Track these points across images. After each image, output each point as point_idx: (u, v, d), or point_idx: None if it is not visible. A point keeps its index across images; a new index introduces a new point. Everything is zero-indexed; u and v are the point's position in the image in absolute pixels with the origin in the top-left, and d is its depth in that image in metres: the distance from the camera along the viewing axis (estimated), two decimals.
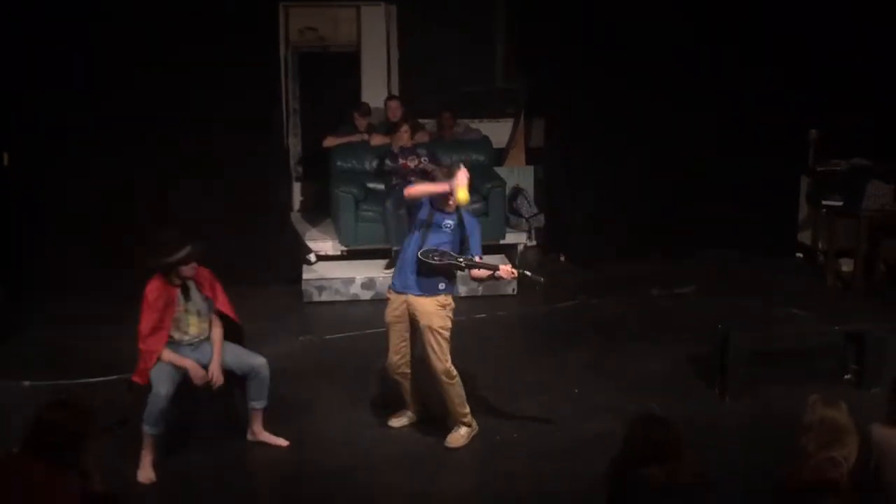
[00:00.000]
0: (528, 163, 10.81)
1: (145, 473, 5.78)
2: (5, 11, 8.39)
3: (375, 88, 10.64)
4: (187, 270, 5.86)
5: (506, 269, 5.95)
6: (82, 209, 8.72)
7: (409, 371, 6.32)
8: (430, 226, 6.03)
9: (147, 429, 5.75)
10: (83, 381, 7.08)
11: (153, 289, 5.87)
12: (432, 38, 10.75)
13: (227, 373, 5.99)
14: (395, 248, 9.14)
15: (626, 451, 4.20)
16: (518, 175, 10.57)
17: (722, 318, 7.24)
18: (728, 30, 9.53)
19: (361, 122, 10.10)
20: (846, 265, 9.36)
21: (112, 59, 8.51)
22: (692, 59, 9.53)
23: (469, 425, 6.31)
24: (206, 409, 6.15)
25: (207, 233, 8.22)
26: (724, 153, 9.79)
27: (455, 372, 6.14)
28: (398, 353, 6.23)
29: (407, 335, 6.19)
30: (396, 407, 6.68)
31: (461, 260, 5.95)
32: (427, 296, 6.02)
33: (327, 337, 8.14)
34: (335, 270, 9.26)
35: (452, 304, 6.12)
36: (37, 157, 8.70)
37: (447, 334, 6.06)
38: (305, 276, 9.11)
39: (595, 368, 7.15)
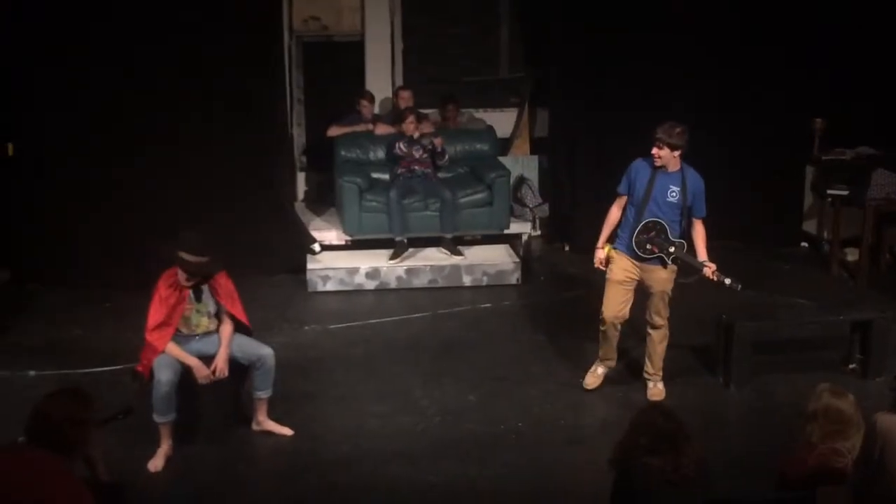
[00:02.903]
0: (532, 153, 10.80)
1: (155, 462, 5.82)
2: (11, 4, 8.40)
3: (379, 78, 10.63)
4: (189, 279, 5.86)
5: (709, 270, 6.33)
6: (87, 199, 8.72)
7: (619, 326, 6.68)
8: (651, 195, 6.34)
9: (155, 417, 5.79)
10: (88, 370, 7.10)
11: (166, 285, 5.88)
12: (437, 28, 10.75)
13: (232, 363, 6.00)
14: (398, 238, 9.15)
15: (630, 439, 4.21)
16: (522, 165, 10.56)
17: (726, 307, 7.24)
18: (732, 21, 9.51)
19: (367, 109, 10.09)
20: (851, 254, 9.35)
21: (116, 52, 8.51)
22: (695, 49, 9.50)
23: (662, 379, 6.75)
24: (212, 399, 6.14)
25: (212, 222, 8.31)
26: (728, 143, 9.76)
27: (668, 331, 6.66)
28: (619, 308, 6.57)
29: (631, 292, 6.57)
30: (401, 397, 6.73)
31: (672, 249, 6.31)
32: (661, 265, 6.41)
33: (332, 326, 8.15)
34: (339, 260, 9.26)
35: (676, 267, 6.49)
36: (42, 147, 8.70)
37: (670, 294, 6.54)
38: (310, 265, 9.12)
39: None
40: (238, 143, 8.92)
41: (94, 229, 8.72)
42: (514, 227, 9.85)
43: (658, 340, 6.67)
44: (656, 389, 6.70)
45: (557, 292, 8.85)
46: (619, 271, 6.50)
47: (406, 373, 7.19)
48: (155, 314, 5.86)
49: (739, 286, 6.35)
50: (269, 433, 6.22)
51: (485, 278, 9.10)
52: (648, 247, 6.33)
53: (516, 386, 6.97)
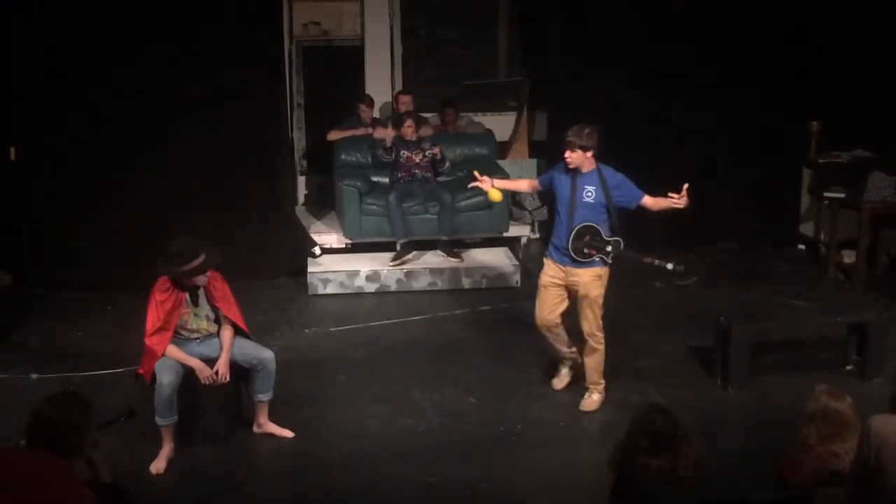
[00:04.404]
0: (531, 156, 10.83)
1: (157, 465, 5.85)
2: (14, 8, 8.44)
3: (379, 82, 10.67)
4: (201, 279, 5.90)
5: (679, 198, 6.37)
6: (88, 202, 8.75)
7: (559, 323, 6.67)
8: (576, 199, 6.35)
9: (157, 420, 5.83)
10: (90, 373, 7.13)
11: (161, 289, 5.91)
12: (435, 32, 10.79)
13: (234, 365, 6.03)
14: (399, 241, 9.18)
15: (629, 440, 4.24)
16: (521, 168, 10.58)
17: (724, 309, 7.27)
18: (729, 23, 9.55)
19: (367, 113, 10.13)
20: (848, 257, 9.37)
21: (118, 55, 8.54)
22: (693, 52, 9.55)
23: (602, 393, 6.66)
24: (213, 402, 6.18)
25: (213, 226, 8.34)
26: (725, 145, 9.81)
27: (603, 338, 6.57)
28: (551, 312, 6.59)
29: (561, 297, 6.57)
30: (402, 399, 6.76)
31: (609, 249, 6.35)
32: (585, 268, 6.37)
33: (332, 329, 8.18)
34: (340, 263, 9.29)
35: (607, 273, 6.48)
36: (43, 150, 8.73)
37: (601, 301, 6.49)
38: (310, 268, 9.15)
39: None
40: (238, 146, 8.95)
41: (95, 232, 8.76)
42: (513, 230, 9.88)
43: (587, 353, 6.61)
44: (588, 400, 6.64)
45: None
46: (545, 276, 6.58)
47: (406, 375, 7.22)
48: (152, 319, 5.89)
49: (682, 268, 6.51)
50: (271, 435, 6.25)
51: (484, 281, 9.13)
52: (586, 251, 6.34)
53: (515, 388, 7.00)
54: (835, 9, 9.54)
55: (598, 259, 6.38)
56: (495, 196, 6.85)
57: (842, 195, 9.21)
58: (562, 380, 6.93)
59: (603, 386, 6.68)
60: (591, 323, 6.50)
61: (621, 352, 7.44)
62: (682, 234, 9.79)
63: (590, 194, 6.34)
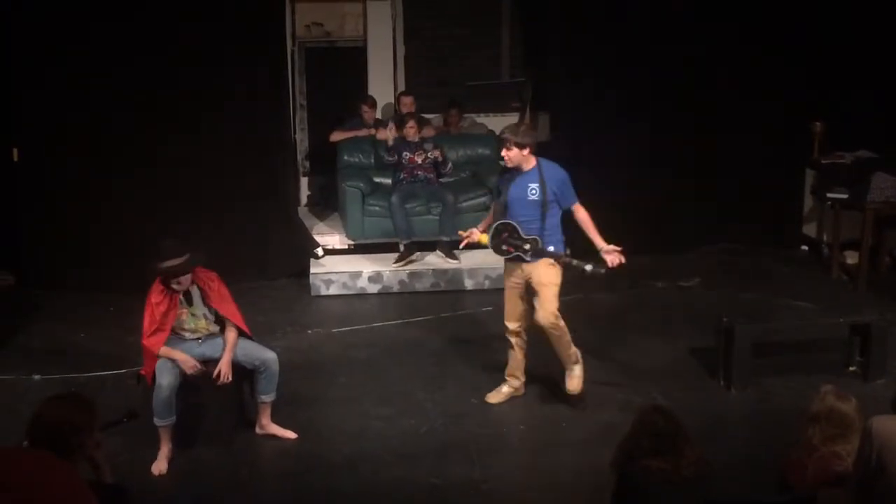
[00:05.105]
0: None
1: (158, 466, 5.85)
2: (14, 8, 8.45)
3: (382, 83, 10.69)
4: (183, 281, 5.88)
5: (611, 257, 6.26)
6: (91, 203, 8.77)
7: (524, 336, 6.61)
8: (510, 198, 6.33)
9: (156, 421, 5.82)
10: (93, 374, 7.14)
11: (156, 291, 5.92)
12: (438, 33, 10.79)
13: (236, 366, 6.03)
14: (402, 242, 9.18)
15: (631, 441, 4.24)
16: None
17: (727, 310, 7.26)
18: (732, 23, 9.55)
19: (370, 115, 10.14)
20: (851, 258, 9.36)
21: (120, 56, 8.56)
22: (696, 53, 9.55)
23: (579, 362, 6.55)
24: (215, 403, 6.19)
25: (214, 226, 8.35)
26: (728, 146, 9.80)
27: (562, 323, 6.40)
28: (515, 317, 6.56)
29: (524, 300, 6.49)
30: (404, 400, 6.76)
31: (527, 247, 6.25)
32: (537, 259, 6.31)
33: (335, 330, 8.18)
34: (342, 264, 9.30)
35: (559, 267, 6.37)
36: (44, 151, 8.74)
37: (556, 289, 6.36)
38: (313, 269, 9.15)
39: (600, 361, 7.18)
40: (241, 148, 8.97)
41: (96, 233, 8.78)
42: None
43: (553, 343, 6.46)
44: (571, 381, 6.52)
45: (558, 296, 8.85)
46: (507, 277, 6.54)
47: (409, 376, 7.22)
48: (149, 320, 5.90)
49: (603, 270, 6.27)
50: (273, 436, 6.24)
51: (486, 282, 9.12)
52: (504, 248, 6.30)
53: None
54: (837, 8, 9.53)
55: (551, 248, 6.30)
56: (485, 240, 6.65)
57: (845, 196, 9.19)
58: (497, 395, 6.79)
59: (576, 354, 6.51)
60: (545, 307, 6.28)
61: (622, 352, 7.45)
62: (683, 234, 9.81)
63: (534, 192, 6.29)
